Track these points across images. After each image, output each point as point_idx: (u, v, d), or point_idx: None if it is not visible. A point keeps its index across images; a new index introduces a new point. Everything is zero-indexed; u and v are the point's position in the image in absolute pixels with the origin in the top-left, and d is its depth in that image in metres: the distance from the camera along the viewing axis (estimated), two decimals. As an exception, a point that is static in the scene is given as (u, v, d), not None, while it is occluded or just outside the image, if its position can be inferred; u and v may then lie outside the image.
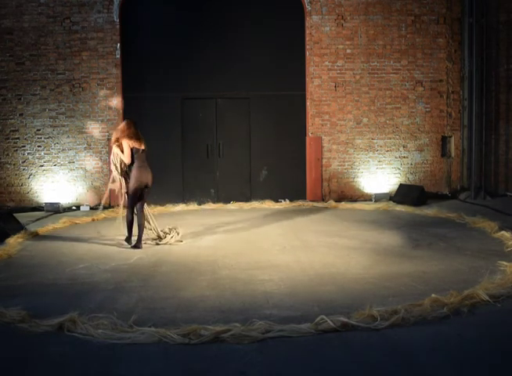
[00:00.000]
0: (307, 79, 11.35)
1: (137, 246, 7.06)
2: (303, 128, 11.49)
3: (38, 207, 10.72)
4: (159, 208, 10.32)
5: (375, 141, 11.43)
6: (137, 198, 7.15)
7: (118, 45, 10.94)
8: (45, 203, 10.71)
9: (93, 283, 5.42)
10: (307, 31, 11.25)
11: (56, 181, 11.01)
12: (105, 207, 10.78)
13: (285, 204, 10.91)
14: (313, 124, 11.36)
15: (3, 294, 5.10)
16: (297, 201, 11.03)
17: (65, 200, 10.91)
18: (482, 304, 4.44)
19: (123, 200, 7.40)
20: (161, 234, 7.40)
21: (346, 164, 11.43)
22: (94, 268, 6.06)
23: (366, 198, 11.36)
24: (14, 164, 10.99)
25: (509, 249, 6.42)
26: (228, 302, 4.72)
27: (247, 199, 11.24)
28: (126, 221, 7.20)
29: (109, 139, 11.02)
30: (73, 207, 10.83)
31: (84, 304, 4.70)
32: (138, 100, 11.23)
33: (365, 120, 11.39)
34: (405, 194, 10.72)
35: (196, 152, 11.29)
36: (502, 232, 7.17)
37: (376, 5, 11.24)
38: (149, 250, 6.99)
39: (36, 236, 8.04)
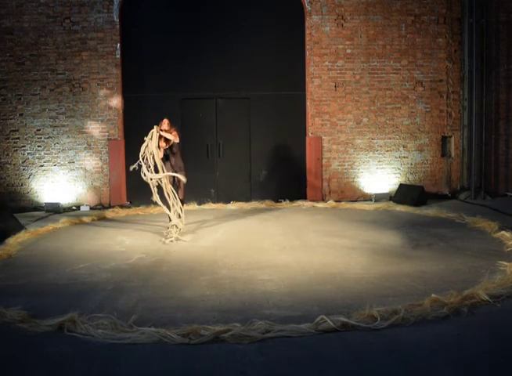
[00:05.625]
0: (307, 79, 11.35)
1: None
2: (303, 128, 11.49)
3: (38, 207, 10.72)
4: (159, 208, 10.28)
5: (375, 141, 11.43)
6: None
7: (118, 45, 10.93)
8: (45, 203, 10.71)
9: (93, 283, 5.42)
10: (307, 31, 11.25)
11: (56, 181, 11.01)
12: (104, 207, 10.82)
13: (285, 204, 10.91)
14: (313, 124, 11.36)
15: (3, 294, 5.10)
16: (297, 201, 11.02)
17: (65, 200, 10.90)
18: (482, 304, 4.45)
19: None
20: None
21: (346, 164, 11.43)
22: (94, 268, 6.06)
23: (366, 198, 11.35)
24: (14, 164, 10.99)
25: (509, 249, 6.42)
26: (229, 302, 4.72)
27: (247, 199, 11.24)
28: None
29: (109, 139, 11.05)
30: (73, 207, 10.83)
31: (84, 304, 4.70)
32: (138, 100, 11.23)
33: (365, 120, 11.39)
34: (405, 194, 10.73)
35: (196, 152, 11.28)
36: (502, 232, 7.17)
37: (376, 5, 11.24)
38: (149, 250, 6.99)
39: (36, 236, 8.04)
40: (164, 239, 7.61)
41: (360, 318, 4.08)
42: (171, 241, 7.48)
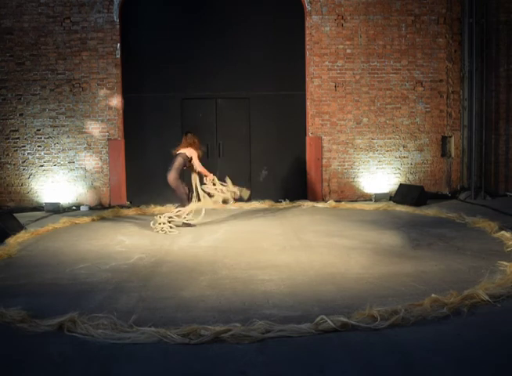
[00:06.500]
0: (307, 79, 11.35)
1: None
2: (303, 128, 11.49)
3: (38, 207, 10.72)
4: (159, 208, 10.32)
5: (375, 141, 11.43)
6: None
7: (118, 45, 10.94)
8: (45, 203, 10.71)
9: (93, 283, 5.41)
10: (307, 31, 11.25)
11: (56, 181, 11.01)
12: (104, 207, 10.82)
13: (285, 204, 10.90)
14: (313, 124, 11.36)
15: (3, 294, 5.09)
16: (297, 201, 11.02)
17: (65, 200, 10.91)
18: (482, 304, 4.44)
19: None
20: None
21: (346, 164, 11.43)
22: (94, 268, 6.05)
23: (366, 198, 11.36)
24: (14, 164, 10.99)
25: (509, 249, 6.41)
26: (229, 302, 4.71)
27: (247, 199, 11.22)
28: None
29: (109, 139, 11.05)
30: (74, 207, 10.83)
31: (84, 304, 4.70)
32: (138, 100, 11.24)
33: (365, 120, 11.39)
34: (405, 194, 10.72)
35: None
36: (502, 232, 7.16)
37: (376, 5, 11.24)
38: (149, 250, 6.99)
39: (36, 236, 8.03)
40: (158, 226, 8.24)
41: (360, 318, 4.08)
42: (162, 230, 8.18)
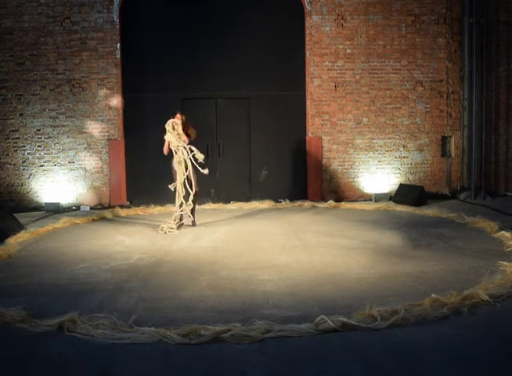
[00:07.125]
0: (307, 79, 11.35)
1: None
2: (303, 128, 11.49)
3: (38, 207, 10.72)
4: (159, 208, 10.33)
5: (375, 141, 11.43)
6: None
7: (118, 45, 10.94)
8: (45, 203, 10.71)
9: (93, 283, 5.42)
10: (307, 31, 11.25)
11: (56, 181, 11.01)
12: (104, 207, 10.82)
13: (285, 204, 10.90)
14: (313, 124, 11.36)
15: (3, 294, 5.10)
16: (297, 201, 11.01)
17: (65, 200, 10.91)
18: (482, 304, 4.44)
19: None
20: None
21: (346, 164, 11.43)
22: (94, 268, 6.05)
23: (366, 198, 11.35)
24: (14, 164, 10.99)
25: (509, 249, 6.41)
26: (229, 302, 4.71)
27: (247, 199, 11.24)
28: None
29: (109, 139, 11.05)
30: (73, 207, 10.83)
31: (84, 304, 4.70)
32: (138, 100, 11.23)
33: (365, 120, 11.39)
34: (405, 194, 10.72)
35: (196, 152, 11.27)
36: (502, 232, 7.16)
37: (376, 5, 11.24)
38: (149, 250, 6.99)
39: (36, 236, 8.03)
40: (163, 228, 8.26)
41: (360, 318, 4.08)
42: (162, 230, 8.19)
